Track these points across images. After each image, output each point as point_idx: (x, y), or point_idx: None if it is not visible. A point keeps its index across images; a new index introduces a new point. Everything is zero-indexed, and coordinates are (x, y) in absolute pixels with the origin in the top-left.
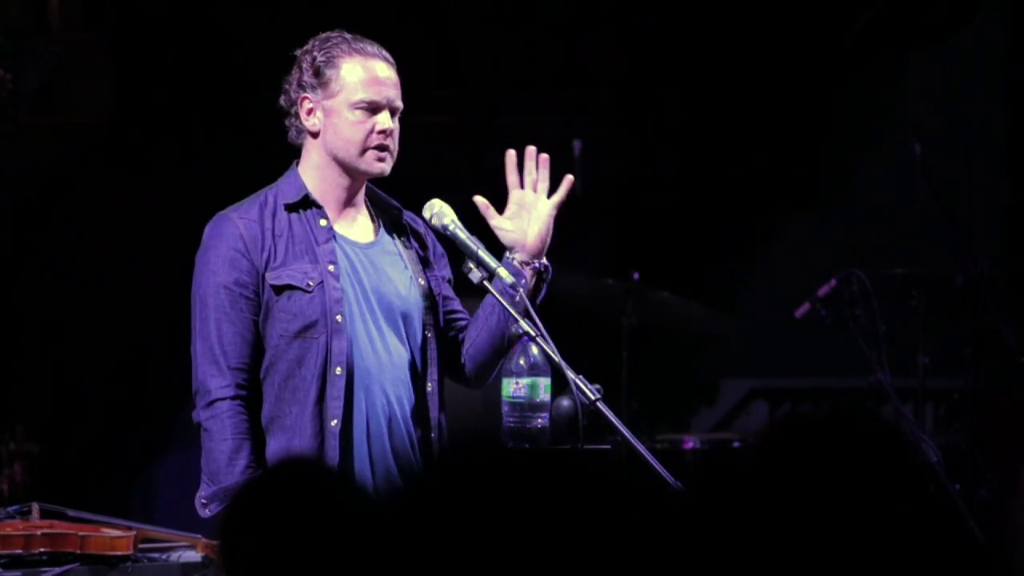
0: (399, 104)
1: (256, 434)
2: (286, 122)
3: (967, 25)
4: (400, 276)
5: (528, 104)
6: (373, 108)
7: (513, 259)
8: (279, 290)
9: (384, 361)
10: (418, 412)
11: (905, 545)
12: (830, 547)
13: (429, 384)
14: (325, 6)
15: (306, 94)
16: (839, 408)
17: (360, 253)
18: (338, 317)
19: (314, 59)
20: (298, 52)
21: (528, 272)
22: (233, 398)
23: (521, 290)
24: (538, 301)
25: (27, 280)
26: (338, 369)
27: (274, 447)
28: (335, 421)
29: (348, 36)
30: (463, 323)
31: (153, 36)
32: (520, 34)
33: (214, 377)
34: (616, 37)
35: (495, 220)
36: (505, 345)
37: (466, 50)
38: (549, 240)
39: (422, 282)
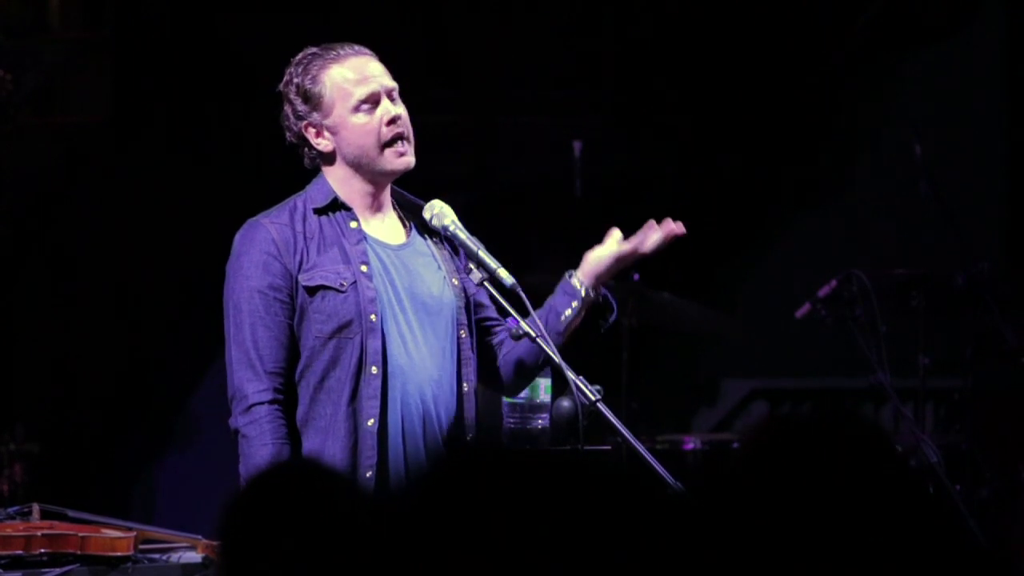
0: (394, 85)
1: (293, 437)
2: (299, 152)
3: (967, 25)
4: (433, 277)
5: (528, 104)
6: (372, 102)
7: (574, 276)
8: (312, 291)
9: (418, 361)
10: (456, 412)
11: (900, 545)
12: (824, 546)
13: (465, 384)
14: (325, 6)
15: (306, 121)
16: (824, 409)
17: (392, 255)
18: (372, 317)
19: (298, 86)
20: (280, 87)
21: (582, 293)
22: (271, 402)
23: (523, 292)
24: (572, 321)
25: (27, 280)
26: (374, 368)
27: (308, 447)
28: (371, 421)
29: (317, 49)
30: (497, 328)
31: (153, 36)
32: (520, 34)
33: (251, 382)
34: (616, 37)
35: (609, 241)
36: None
37: (466, 50)
38: (603, 279)
39: (455, 282)
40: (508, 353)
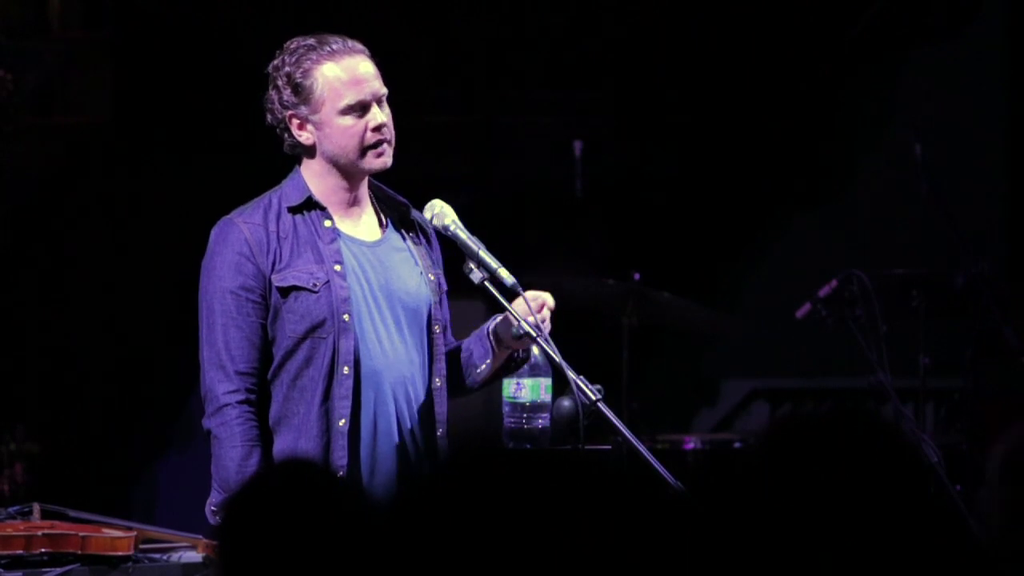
0: (384, 91)
1: (265, 438)
2: (278, 135)
3: (967, 25)
4: (410, 272)
5: (528, 104)
6: (362, 108)
7: (490, 334)
8: (285, 292)
9: (392, 360)
10: (426, 409)
11: (906, 545)
12: (831, 547)
13: (437, 380)
14: (325, 6)
15: (291, 111)
16: (840, 408)
17: (367, 252)
18: (345, 316)
19: (289, 75)
20: (269, 70)
21: (494, 351)
22: (241, 403)
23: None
24: (486, 375)
25: (27, 280)
26: (346, 368)
27: (280, 446)
28: (343, 421)
29: (312, 40)
30: (448, 346)
31: (153, 36)
32: (520, 34)
33: (221, 383)
34: (616, 37)
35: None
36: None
37: (466, 50)
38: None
39: (432, 277)
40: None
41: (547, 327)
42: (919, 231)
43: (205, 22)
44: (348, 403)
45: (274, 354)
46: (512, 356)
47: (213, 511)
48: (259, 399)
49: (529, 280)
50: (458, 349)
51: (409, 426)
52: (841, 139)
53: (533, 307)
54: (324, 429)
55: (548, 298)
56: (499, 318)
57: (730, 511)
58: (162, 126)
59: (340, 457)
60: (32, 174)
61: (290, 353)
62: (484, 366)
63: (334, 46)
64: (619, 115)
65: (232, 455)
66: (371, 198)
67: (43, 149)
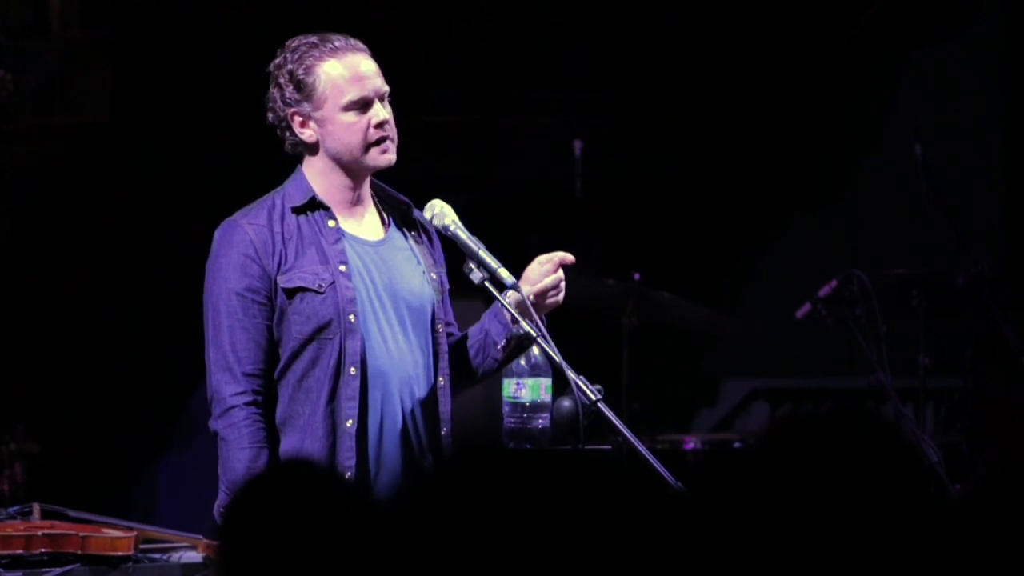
0: (386, 89)
1: (272, 439)
2: (278, 134)
3: (967, 25)
4: (413, 272)
5: (528, 104)
6: (364, 104)
7: (507, 310)
8: (291, 293)
9: (398, 359)
10: (431, 408)
11: (905, 545)
12: (831, 546)
13: (441, 379)
14: (325, 6)
15: (294, 109)
16: (840, 408)
17: (371, 251)
18: (351, 317)
19: (291, 72)
20: (271, 68)
21: (512, 329)
22: (248, 404)
23: (524, 294)
24: (506, 352)
25: (27, 280)
26: (352, 369)
27: (286, 447)
28: (350, 421)
29: (314, 38)
30: (452, 339)
31: (153, 36)
32: (520, 34)
33: (228, 384)
34: (616, 37)
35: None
36: (500, 355)
37: (466, 50)
38: (540, 306)
39: (434, 276)
40: (454, 360)
41: (560, 293)
42: (919, 231)
43: (205, 22)
44: (355, 404)
45: (280, 355)
46: (521, 339)
47: (221, 513)
48: (265, 401)
49: None
50: (464, 337)
51: (414, 425)
52: (841, 139)
53: (549, 267)
54: (330, 430)
55: (564, 256)
56: (509, 293)
57: (730, 511)
58: (162, 126)
59: (348, 458)
60: (32, 174)
61: (296, 354)
62: (504, 341)
63: (336, 43)
64: (619, 115)
65: (240, 457)
66: (373, 197)
67: (43, 149)
